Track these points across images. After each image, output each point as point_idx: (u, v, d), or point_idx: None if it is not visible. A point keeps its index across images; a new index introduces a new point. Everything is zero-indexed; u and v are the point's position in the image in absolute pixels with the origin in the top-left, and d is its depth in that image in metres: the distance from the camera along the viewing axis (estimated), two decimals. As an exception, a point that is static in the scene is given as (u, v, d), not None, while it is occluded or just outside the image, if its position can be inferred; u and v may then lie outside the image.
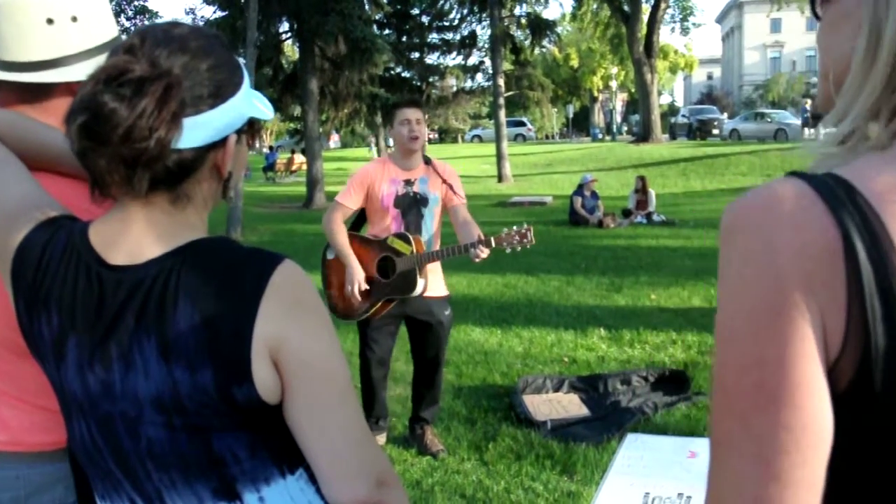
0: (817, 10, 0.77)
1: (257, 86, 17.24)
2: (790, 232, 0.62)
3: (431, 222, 3.58)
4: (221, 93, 0.96)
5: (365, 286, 3.46)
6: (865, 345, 0.61)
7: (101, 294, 0.95)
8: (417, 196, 3.53)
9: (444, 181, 3.56)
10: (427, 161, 3.61)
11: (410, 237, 3.45)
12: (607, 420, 4.02)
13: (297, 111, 20.37)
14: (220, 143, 0.98)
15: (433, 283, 3.56)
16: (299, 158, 26.33)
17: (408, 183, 3.53)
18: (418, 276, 3.44)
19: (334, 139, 42.69)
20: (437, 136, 45.68)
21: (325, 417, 0.96)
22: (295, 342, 0.94)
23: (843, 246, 0.61)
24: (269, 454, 0.99)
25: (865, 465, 0.65)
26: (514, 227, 3.36)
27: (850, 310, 0.61)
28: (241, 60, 1.06)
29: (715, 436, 0.66)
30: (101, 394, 0.96)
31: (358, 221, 3.72)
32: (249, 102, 1.03)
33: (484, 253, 3.21)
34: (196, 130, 0.94)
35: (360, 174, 3.57)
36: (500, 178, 21.02)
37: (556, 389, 4.48)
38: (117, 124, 0.88)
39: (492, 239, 3.26)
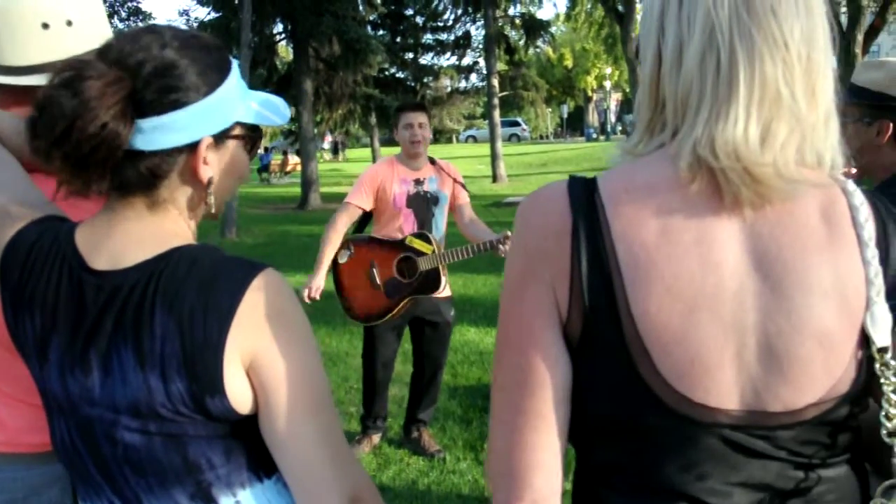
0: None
1: (251, 87, 17.12)
2: (539, 217, 0.83)
3: (442, 221, 3.61)
4: (188, 96, 0.93)
5: (316, 296, 3.48)
6: (583, 309, 0.79)
7: (82, 298, 0.95)
8: (429, 195, 3.55)
9: (455, 180, 3.60)
10: (432, 161, 3.64)
11: (430, 237, 3.47)
12: (602, 419, 4.03)
13: (291, 112, 20.35)
14: (192, 147, 0.95)
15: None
16: (294, 159, 26.29)
17: (417, 182, 3.54)
18: (442, 275, 3.46)
19: (328, 140, 42.57)
20: (431, 136, 45.65)
21: (297, 430, 0.94)
22: (268, 355, 0.93)
23: (571, 230, 0.80)
24: (245, 459, 0.98)
25: (604, 403, 0.82)
26: None
27: (573, 280, 0.79)
28: (235, 62, 1.02)
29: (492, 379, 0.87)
30: (80, 398, 0.96)
31: (361, 223, 3.71)
32: (232, 106, 0.98)
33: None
34: (158, 133, 0.91)
35: (369, 174, 3.55)
36: (494, 178, 21.02)
37: (552, 389, 4.48)
38: (61, 114, 0.86)
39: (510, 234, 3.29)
